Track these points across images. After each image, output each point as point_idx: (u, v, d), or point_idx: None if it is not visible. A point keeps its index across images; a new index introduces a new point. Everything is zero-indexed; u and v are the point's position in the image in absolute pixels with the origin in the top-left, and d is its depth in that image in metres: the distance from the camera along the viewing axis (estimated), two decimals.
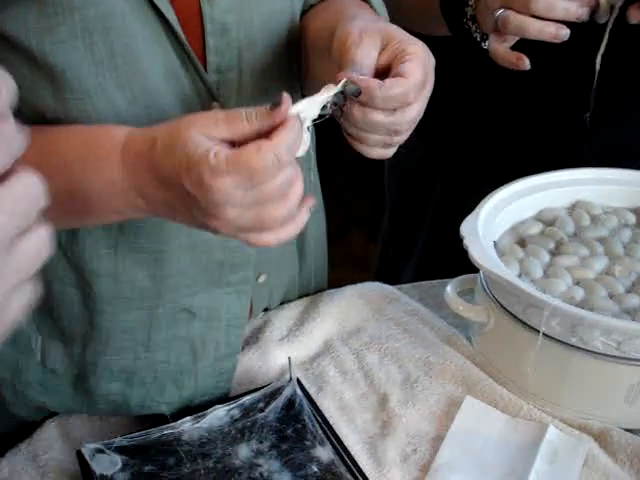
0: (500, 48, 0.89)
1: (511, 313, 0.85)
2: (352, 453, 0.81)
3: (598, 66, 0.93)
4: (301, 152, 0.65)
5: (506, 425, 0.85)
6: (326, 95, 0.66)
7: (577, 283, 0.86)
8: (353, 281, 1.07)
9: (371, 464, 0.82)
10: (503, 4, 0.87)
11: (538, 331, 0.81)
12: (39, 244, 0.41)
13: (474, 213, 0.89)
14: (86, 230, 0.80)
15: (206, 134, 0.62)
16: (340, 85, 0.66)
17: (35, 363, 0.87)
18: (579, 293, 0.84)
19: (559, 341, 0.81)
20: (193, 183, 0.61)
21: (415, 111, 0.70)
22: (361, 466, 0.80)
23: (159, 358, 0.88)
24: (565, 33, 0.86)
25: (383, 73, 0.70)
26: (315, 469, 0.78)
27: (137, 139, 0.67)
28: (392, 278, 1.09)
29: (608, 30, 0.90)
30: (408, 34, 0.72)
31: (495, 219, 0.91)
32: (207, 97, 0.79)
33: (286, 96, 0.62)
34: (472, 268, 0.87)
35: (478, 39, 0.94)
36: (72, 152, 0.69)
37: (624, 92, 1.06)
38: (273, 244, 0.65)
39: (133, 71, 0.73)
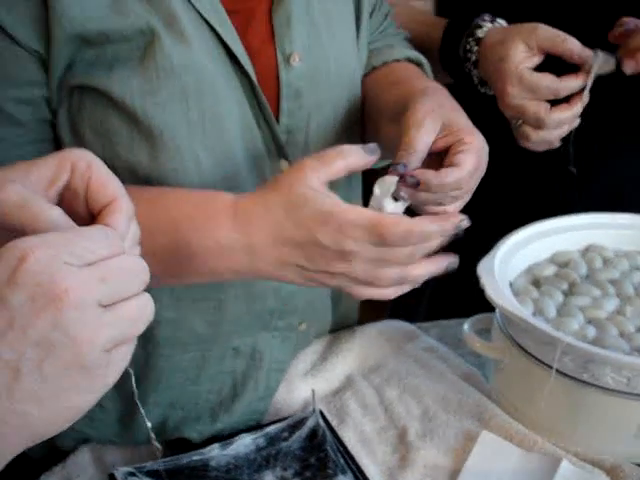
0: (534, 138, 0.98)
1: (525, 350, 0.88)
2: None
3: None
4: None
5: (521, 459, 0.87)
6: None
7: (589, 322, 0.90)
8: (368, 320, 1.11)
9: None
10: (516, 115, 0.96)
11: (551, 367, 0.84)
12: (139, 308, 0.49)
13: (490, 254, 0.93)
14: None
15: (311, 185, 0.69)
16: (394, 182, 0.74)
17: None
18: (591, 332, 0.88)
19: (571, 377, 0.84)
20: (329, 232, 0.68)
21: (469, 195, 0.80)
22: None
23: (203, 389, 0.93)
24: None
25: (439, 155, 0.78)
26: None
27: (248, 202, 0.72)
28: (405, 318, 1.13)
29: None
30: (469, 121, 0.80)
31: (511, 260, 0.95)
32: (276, 155, 0.85)
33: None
34: (482, 307, 0.92)
35: (479, 86, 1.02)
36: (180, 210, 0.74)
37: (610, 141, 1.13)
38: (373, 298, 0.74)
39: (217, 132, 0.79)
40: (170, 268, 0.75)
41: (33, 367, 0.45)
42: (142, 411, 0.71)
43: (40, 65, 0.75)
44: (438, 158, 0.79)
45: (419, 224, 0.69)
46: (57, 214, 0.50)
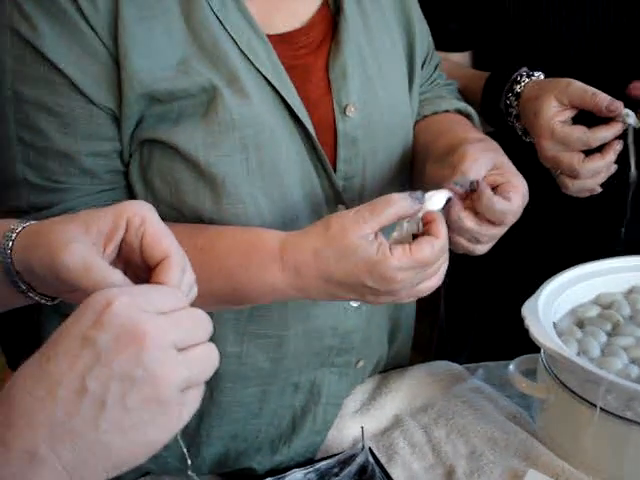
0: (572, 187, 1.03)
1: (570, 389, 0.90)
2: None
3: (633, 177, 1.03)
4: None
5: None
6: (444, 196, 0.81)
7: (633, 362, 0.91)
8: (414, 361, 1.15)
9: None
10: (553, 166, 1.01)
11: (595, 406, 0.86)
12: (207, 353, 0.54)
13: (535, 296, 0.96)
14: (219, 318, 0.88)
15: (363, 235, 0.74)
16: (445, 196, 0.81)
17: None
18: (635, 371, 0.89)
19: (615, 415, 0.86)
20: (376, 280, 0.75)
21: (499, 231, 0.85)
22: None
23: (264, 423, 0.98)
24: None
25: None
26: None
27: (294, 249, 0.77)
28: (450, 360, 1.16)
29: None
30: (514, 167, 0.87)
31: (555, 302, 0.98)
32: (334, 200, 0.90)
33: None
34: (525, 349, 0.95)
35: (523, 137, 1.06)
36: (233, 259, 0.80)
37: None
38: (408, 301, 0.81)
39: (276, 180, 0.85)
40: (229, 303, 0.82)
41: (117, 400, 0.49)
42: (183, 446, 0.74)
43: (113, 122, 0.81)
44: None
45: (444, 233, 0.77)
46: (119, 278, 0.56)
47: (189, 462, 0.71)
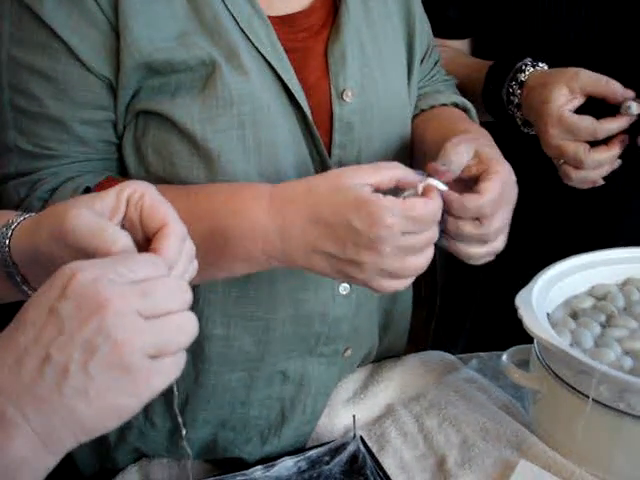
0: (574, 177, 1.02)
1: (563, 380, 0.90)
2: None
3: None
4: None
5: None
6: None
7: (626, 353, 0.91)
8: (409, 351, 1.14)
9: None
10: (557, 155, 1.00)
11: (588, 397, 0.86)
12: (181, 322, 0.54)
13: (529, 286, 0.95)
14: (206, 299, 0.89)
15: (359, 182, 0.74)
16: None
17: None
18: (628, 362, 0.89)
19: (608, 407, 0.85)
20: (362, 217, 0.72)
21: (497, 222, 0.81)
22: None
23: (253, 413, 0.97)
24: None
25: (470, 180, 0.83)
26: None
27: (285, 187, 0.77)
28: (445, 350, 1.15)
29: None
30: (501, 156, 0.85)
31: (549, 293, 0.97)
32: None
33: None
34: (520, 340, 0.94)
35: (522, 127, 1.05)
36: (219, 198, 0.79)
37: None
38: (395, 289, 0.77)
39: (271, 159, 0.84)
40: (206, 255, 0.76)
41: (80, 367, 0.50)
42: (180, 421, 0.73)
43: (108, 91, 0.82)
44: (470, 186, 0.83)
45: (439, 200, 0.76)
46: (128, 240, 0.56)
47: (184, 432, 0.70)
